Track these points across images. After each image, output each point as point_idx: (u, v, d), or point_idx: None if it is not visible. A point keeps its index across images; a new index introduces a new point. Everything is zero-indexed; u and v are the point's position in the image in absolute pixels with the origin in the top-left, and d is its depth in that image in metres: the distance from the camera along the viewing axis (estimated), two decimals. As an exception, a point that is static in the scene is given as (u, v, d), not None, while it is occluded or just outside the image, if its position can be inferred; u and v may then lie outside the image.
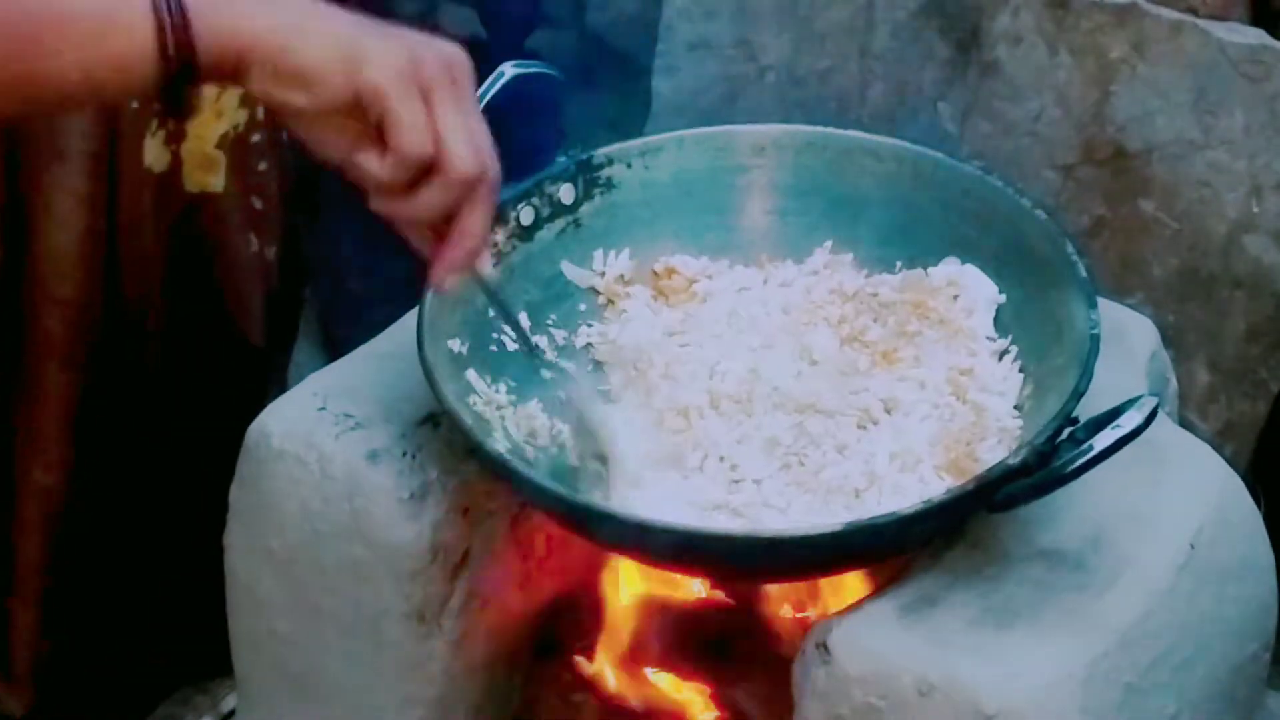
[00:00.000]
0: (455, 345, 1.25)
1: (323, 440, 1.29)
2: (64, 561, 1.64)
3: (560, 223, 1.36)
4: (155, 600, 1.73)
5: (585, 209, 1.37)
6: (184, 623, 1.73)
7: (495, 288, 1.20)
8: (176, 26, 0.98)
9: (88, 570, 1.66)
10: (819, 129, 1.41)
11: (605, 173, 1.37)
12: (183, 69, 0.99)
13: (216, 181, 1.55)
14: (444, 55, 1.04)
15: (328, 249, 2.13)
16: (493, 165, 1.05)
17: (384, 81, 1.00)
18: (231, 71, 1.01)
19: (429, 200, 1.05)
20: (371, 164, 1.03)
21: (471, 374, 1.26)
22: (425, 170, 1.03)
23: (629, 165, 1.38)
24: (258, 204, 1.64)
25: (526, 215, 1.34)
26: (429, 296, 1.24)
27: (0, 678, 1.68)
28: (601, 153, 1.38)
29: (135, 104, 1.48)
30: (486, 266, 1.15)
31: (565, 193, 1.36)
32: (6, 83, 0.99)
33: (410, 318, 1.28)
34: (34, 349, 1.54)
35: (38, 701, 1.68)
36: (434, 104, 1.02)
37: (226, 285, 1.65)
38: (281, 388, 1.77)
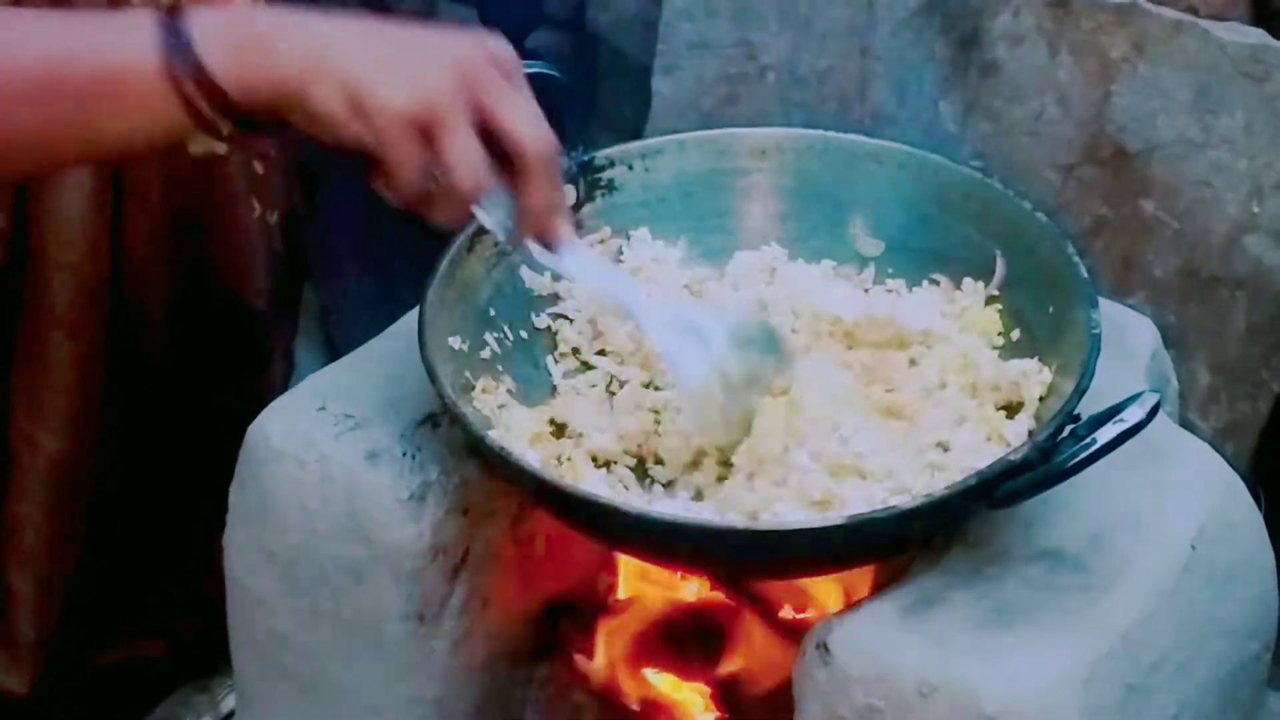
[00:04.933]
0: (456, 343, 1.26)
1: (322, 440, 1.29)
2: (69, 532, 1.63)
3: (561, 223, 1.36)
4: (150, 583, 1.73)
5: (587, 210, 1.37)
6: (177, 612, 1.73)
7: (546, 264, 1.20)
8: (194, 87, 1.03)
9: (92, 542, 1.65)
10: (820, 132, 1.41)
11: (607, 175, 1.38)
12: (224, 115, 1.04)
13: (220, 144, 1.55)
14: (463, 70, 1.06)
15: (328, 249, 2.13)
16: (535, 150, 1.08)
17: (383, 134, 1.04)
18: (266, 113, 1.05)
19: (444, 210, 1.09)
20: (386, 192, 1.08)
21: (472, 373, 1.26)
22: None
23: (630, 167, 1.38)
24: (259, 168, 1.64)
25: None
26: (430, 295, 1.24)
27: (4, 652, 1.65)
28: (603, 154, 1.38)
29: None
30: (567, 240, 1.16)
31: (566, 194, 1.36)
32: (53, 146, 1.06)
33: (410, 318, 1.28)
34: (39, 316, 1.53)
35: (41, 680, 1.67)
36: (438, 137, 1.05)
37: (230, 249, 1.65)
38: (288, 356, 1.77)
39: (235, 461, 1.33)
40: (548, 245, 1.15)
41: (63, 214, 1.50)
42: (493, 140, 1.08)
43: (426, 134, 1.05)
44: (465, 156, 1.05)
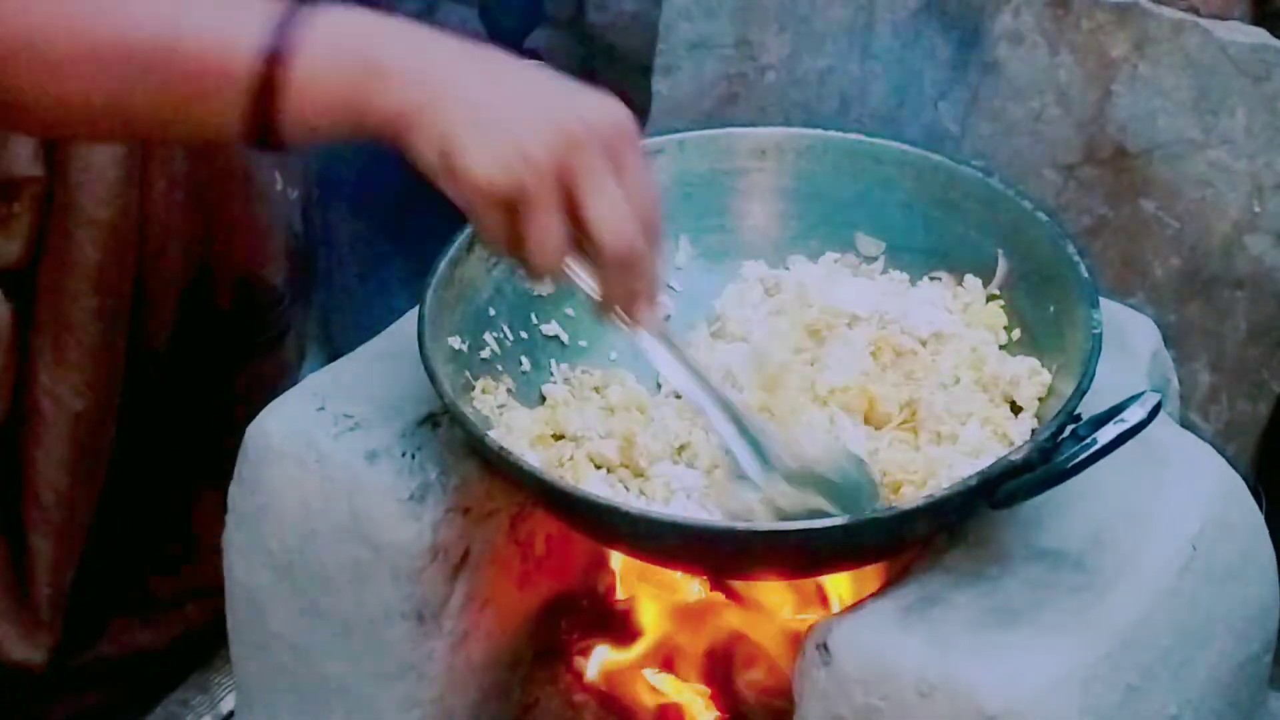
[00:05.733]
0: (456, 343, 1.26)
1: (322, 440, 1.29)
2: (88, 492, 1.62)
3: (561, 223, 1.36)
4: (150, 569, 1.73)
5: (586, 209, 1.37)
6: (184, 607, 1.73)
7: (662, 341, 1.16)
8: (268, 107, 1.03)
9: (103, 512, 1.65)
10: (820, 132, 1.41)
11: (606, 173, 1.37)
12: (266, 136, 1.04)
13: None
14: (565, 144, 1.02)
15: (328, 248, 2.13)
16: (612, 245, 1.04)
17: (468, 199, 1.02)
18: (367, 136, 1.05)
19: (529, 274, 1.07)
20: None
21: (472, 373, 1.26)
22: None
23: (630, 166, 1.38)
24: None
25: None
26: (430, 294, 1.24)
27: (21, 619, 1.64)
28: (603, 154, 1.37)
29: None
30: (648, 326, 1.12)
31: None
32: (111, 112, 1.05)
33: (410, 317, 1.28)
34: (66, 271, 1.53)
35: (60, 649, 1.66)
36: (522, 219, 1.02)
37: (249, 220, 1.65)
38: (301, 338, 1.77)
39: (241, 442, 1.33)
40: (629, 324, 1.11)
41: (94, 171, 1.50)
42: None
43: (512, 209, 1.02)
44: (546, 240, 1.03)
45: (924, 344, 1.30)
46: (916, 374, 1.28)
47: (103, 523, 1.65)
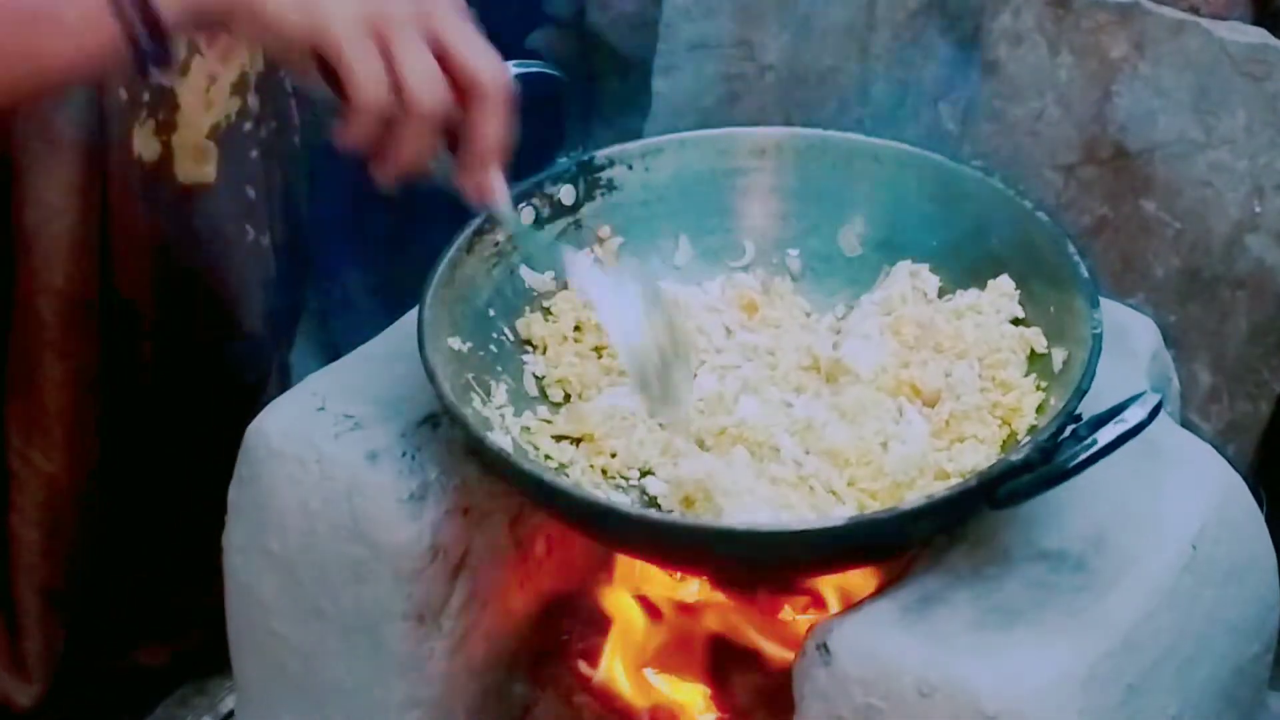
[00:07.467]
0: (456, 344, 1.26)
1: (322, 440, 1.29)
2: (70, 549, 1.63)
3: (561, 223, 1.36)
4: (155, 594, 1.73)
5: (586, 210, 1.37)
6: (183, 621, 1.73)
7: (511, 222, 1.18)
8: (132, 9, 1.02)
9: (96, 557, 1.65)
10: (820, 132, 1.41)
11: (606, 174, 1.38)
12: (152, 35, 1.02)
13: (209, 172, 1.54)
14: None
15: (326, 249, 2.13)
16: (493, 79, 1.06)
17: (336, 32, 1.01)
18: (215, 26, 1.03)
19: (406, 144, 1.05)
20: (345, 127, 1.05)
21: (472, 374, 1.26)
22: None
23: (630, 167, 1.38)
24: (251, 193, 1.63)
25: (527, 215, 1.34)
26: (430, 295, 1.24)
27: (9, 667, 1.66)
28: (602, 154, 1.38)
29: (124, 94, 1.48)
30: (502, 201, 1.14)
31: (566, 194, 1.36)
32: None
33: (410, 318, 1.28)
34: (28, 338, 1.53)
35: (49, 694, 1.67)
36: (393, 47, 1.02)
37: (222, 276, 1.64)
38: (284, 379, 1.77)
39: (230, 480, 1.33)
40: (482, 198, 1.13)
41: (50, 238, 1.49)
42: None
43: (381, 39, 1.02)
44: (423, 66, 1.03)
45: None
46: (944, 345, 1.27)
47: (95, 571, 1.66)
